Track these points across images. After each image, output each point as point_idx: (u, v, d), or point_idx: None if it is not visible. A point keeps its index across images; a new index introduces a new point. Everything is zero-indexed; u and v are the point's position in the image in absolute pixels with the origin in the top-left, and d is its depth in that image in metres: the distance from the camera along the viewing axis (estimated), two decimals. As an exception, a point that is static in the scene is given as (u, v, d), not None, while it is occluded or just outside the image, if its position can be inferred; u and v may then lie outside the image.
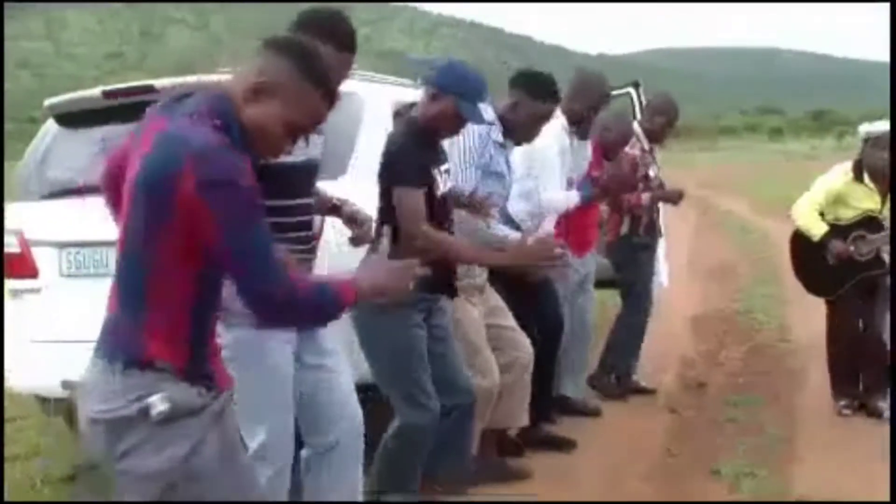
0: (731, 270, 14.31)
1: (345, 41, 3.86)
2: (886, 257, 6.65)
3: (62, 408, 6.11)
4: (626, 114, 7.60)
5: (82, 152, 5.83)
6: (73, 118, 6.03)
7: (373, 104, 5.97)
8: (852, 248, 6.71)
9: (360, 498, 4.26)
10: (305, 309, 2.83)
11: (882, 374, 6.74)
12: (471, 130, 5.03)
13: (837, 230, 6.77)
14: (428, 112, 4.57)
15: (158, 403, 2.69)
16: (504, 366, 5.41)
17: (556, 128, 6.05)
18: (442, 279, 4.57)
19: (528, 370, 5.65)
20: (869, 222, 6.67)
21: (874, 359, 6.80)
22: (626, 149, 7.00)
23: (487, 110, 4.75)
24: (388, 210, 4.48)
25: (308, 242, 4.02)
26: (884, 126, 6.62)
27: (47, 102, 6.09)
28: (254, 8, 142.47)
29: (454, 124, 4.60)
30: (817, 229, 6.78)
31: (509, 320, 5.65)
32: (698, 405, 7.32)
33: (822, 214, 6.80)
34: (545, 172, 6.07)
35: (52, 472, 6.24)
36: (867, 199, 6.68)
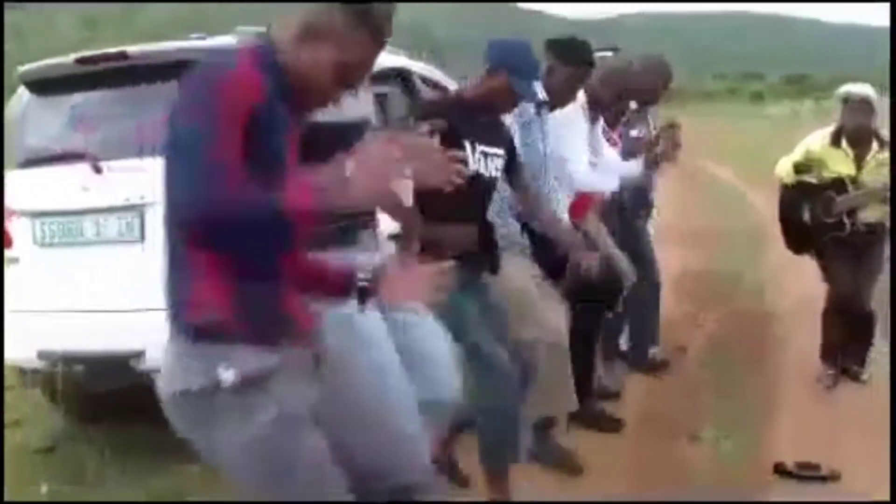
0: (711, 235, 14.28)
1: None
2: (847, 222, 6.69)
3: (38, 379, 6.08)
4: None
5: (56, 120, 5.79)
6: (46, 85, 5.95)
7: None
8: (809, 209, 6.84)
9: None
10: (238, 213, 2.33)
11: (862, 340, 6.89)
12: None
13: (812, 189, 6.84)
14: (480, 87, 4.54)
15: (225, 374, 2.57)
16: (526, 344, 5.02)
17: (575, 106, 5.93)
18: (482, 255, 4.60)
19: (559, 350, 5.20)
20: (840, 185, 6.70)
21: (856, 324, 6.87)
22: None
23: (539, 88, 4.69)
24: None
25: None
26: (862, 89, 6.63)
27: (20, 70, 6.02)
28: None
29: (508, 100, 4.58)
30: (785, 179, 6.97)
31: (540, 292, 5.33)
32: (678, 369, 7.34)
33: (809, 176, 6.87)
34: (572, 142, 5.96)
35: (30, 443, 6.23)
36: (842, 164, 6.71)
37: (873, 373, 6.81)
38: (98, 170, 5.40)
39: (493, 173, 4.61)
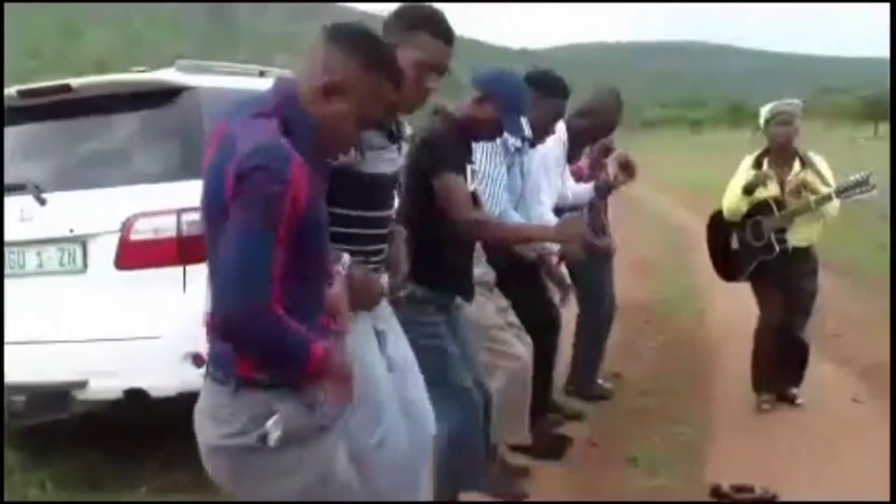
0: (650, 262, 14.47)
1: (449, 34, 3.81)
2: (776, 244, 6.76)
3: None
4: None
5: (-1, 151, 5.81)
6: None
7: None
8: (748, 234, 6.88)
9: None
10: (272, 346, 2.56)
11: (797, 363, 6.96)
12: (493, 154, 5.24)
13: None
14: (471, 113, 4.62)
15: (273, 429, 2.63)
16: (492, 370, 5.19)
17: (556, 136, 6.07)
18: (461, 280, 4.65)
19: (521, 380, 5.40)
20: (766, 208, 6.76)
21: (790, 349, 6.93)
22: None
23: (526, 125, 4.77)
24: (416, 202, 4.40)
25: (380, 255, 3.82)
26: (787, 105, 6.76)
27: (-36, 105, 6.02)
28: (173, 2, 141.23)
29: (492, 131, 4.67)
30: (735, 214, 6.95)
31: (510, 321, 5.51)
32: (615, 397, 7.42)
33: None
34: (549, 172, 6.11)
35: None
36: (770, 186, 6.75)
37: (808, 394, 6.92)
38: (42, 201, 5.42)
39: (475, 186, 4.72)
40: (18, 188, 5.54)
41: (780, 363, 6.98)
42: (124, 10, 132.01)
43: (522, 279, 5.79)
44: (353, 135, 2.85)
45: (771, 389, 6.98)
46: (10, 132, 5.82)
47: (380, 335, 3.76)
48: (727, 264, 7.17)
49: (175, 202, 5.12)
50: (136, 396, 5.17)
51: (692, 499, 5.32)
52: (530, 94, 5.18)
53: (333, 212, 3.14)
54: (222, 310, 2.51)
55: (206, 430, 2.73)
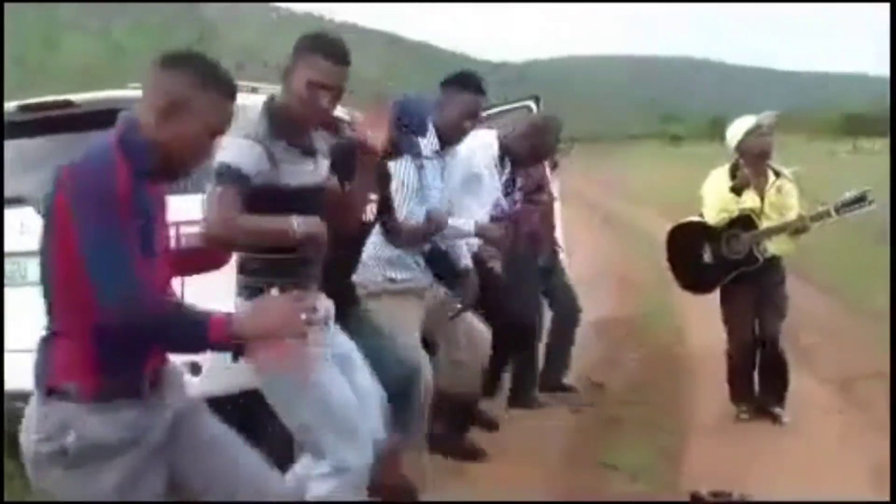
0: (630, 276, 14.68)
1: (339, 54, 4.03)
2: (759, 255, 6.90)
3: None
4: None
5: (-1, 164, 5.95)
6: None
7: None
8: (724, 247, 6.98)
9: None
10: (164, 329, 2.79)
11: (779, 381, 7.05)
12: (405, 166, 5.40)
13: (706, 229, 7.04)
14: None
15: (70, 441, 2.80)
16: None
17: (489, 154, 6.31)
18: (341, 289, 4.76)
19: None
20: (744, 221, 6.89)
21: (769, 365, 7.08)
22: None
23: (424, 143, 5.04)
24: None
25: (312, 264, 4.11)
26: (766, 117, 6.95)
27: (-40, 117, 6.15)
28: (155, 13, 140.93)
29: (391, 152, 4.83)
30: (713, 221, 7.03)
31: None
32: (597, 405, 7.60)
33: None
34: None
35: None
36: (747, 199, 6.87)
37: (787, 405, 7.04)
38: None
39: (370, 217, 4.89)
40: (19, 201, 5.67)
41: (758, 374, 7.13)
42: (106, 20, 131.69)
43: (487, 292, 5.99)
44: (204, 147, 3.03)
45: (748, 400, 7.12)
46: (11, 145, 5.93)
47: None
48: (696, 276, 7.28)
49: (173, 215, 5.25)
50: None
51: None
52: (445, 94, 5.62)
53: None
54: (118, 308, 2.70)
55: (24, 435, 2.91)
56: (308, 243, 3.88)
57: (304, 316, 2.89)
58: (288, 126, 3.99)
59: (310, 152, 4.08)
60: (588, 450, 6.50)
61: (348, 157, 4.41)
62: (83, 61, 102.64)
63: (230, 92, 3.04)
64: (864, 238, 16.21)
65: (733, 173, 6.97)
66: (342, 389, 4.07)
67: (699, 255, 7.12)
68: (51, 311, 2.91)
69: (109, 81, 6.09)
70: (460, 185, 6.05)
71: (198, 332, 2.75)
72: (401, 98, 5.09)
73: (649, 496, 5.61)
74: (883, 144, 61.67)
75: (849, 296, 11.84)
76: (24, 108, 5.89)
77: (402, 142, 4.83)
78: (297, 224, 3.82)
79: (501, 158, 6.47)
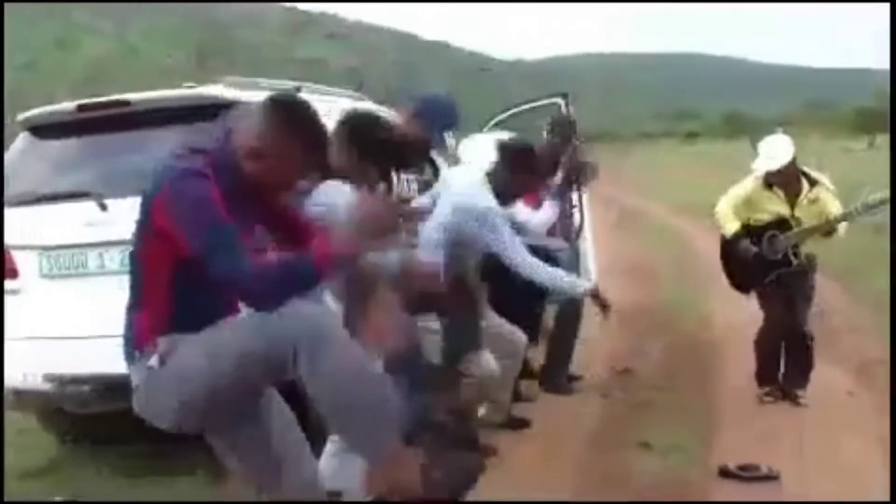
0: (650, 269, 14.95)
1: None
2: (793, 257, 7.22)
3: (29, 402, 6.45)
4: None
5: (57, 162, 6.25)
6: (47, 130, 6.41)
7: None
8: (756, 248, 7.27)
9: None
10: (283, 279, 3.20)
11: (804, 366, 7.38)
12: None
13: (752, 230, 7.33)
14: (409, 129, 5.22)
15: (153, 360, 3.41)
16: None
17: None
18: None
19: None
20: (781, 223, 7.21)
21: (797, 351, 7.38)
22: None
23: (451, 142, 5.32)
24: None
25: None
26: (778, 151, 7.15)
27: (20, 116, 6.44)
28: (170, 15, 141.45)
29: (421, 146, 5.28)
30: (729, 227, 7.39)
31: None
32: (627, 390, 7.91)
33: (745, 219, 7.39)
34: None
35: (18, 466, 6.59)
36: (778, 204, 7.22)
37: (809, 394, 7.34)
38: (104, 207, 5.86)
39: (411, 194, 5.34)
40: (82, 195, 5.97)
41: (784, 359, 7.43)
42: (120, 23, 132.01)
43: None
44: (281, 184, 3.52)
45: (773, 383, 7.41)
46: (71, 143, 6.26)
47: None
48: (742, 275, 7.55)
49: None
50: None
51: (702, 479, 5.79)
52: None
53: None
54: (235, 281, 3.21)
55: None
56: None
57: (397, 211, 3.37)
58: None
59: None
60: (622, 431, 6.79)
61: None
62: (97, 63, 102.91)
63: (317, 151, 3.51)
64: (864, 228, 16.46)
65: (768, 184, 7.27)
66: None
67: (745, 254, 7.35)
68: (138, 287, 3.49)
69: (124, 83, 6.36)
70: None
71: (305, 263, 3.20)
72: (427, 95, 5.41)
73: (680, 471, 5.90)
74: (898, 140, 61.86)
75: (851, 283, 12.16)
76: (81, 108, 6.17)
77: (433, 137, 5.15)
78: None
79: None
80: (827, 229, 7.11)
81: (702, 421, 6.92)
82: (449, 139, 5.30)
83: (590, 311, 8.29)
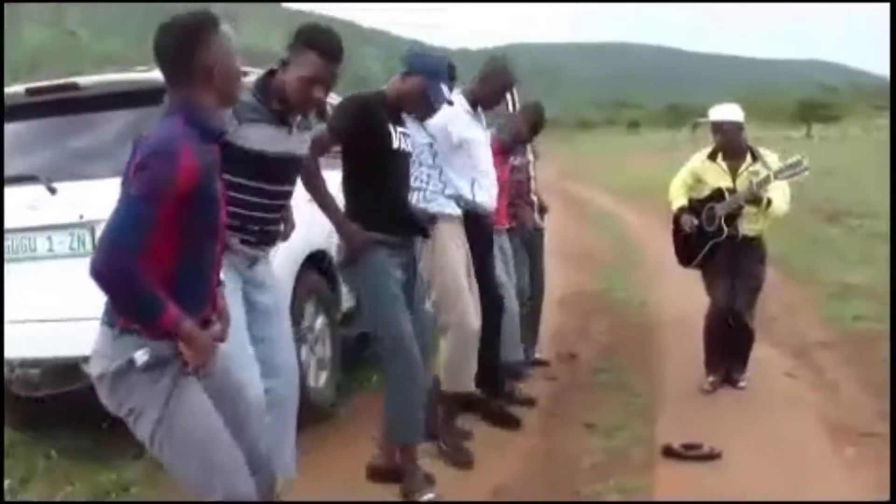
0: (593, 255, 15.20)
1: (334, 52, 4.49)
2: (725, 227, 7.25)
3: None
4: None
5: (6, 145, 6.22)
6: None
7: None
8: (695, 220, 7.37)
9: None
10: (126, 298, 3.20)
11: (741, 351, 7.49)
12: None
13: (695, 205, 7.44)
14: (397, 88, 5.29)
15: (140, 357, 3.29)
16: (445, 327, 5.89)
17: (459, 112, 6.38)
18: (403, 220, 5.25)
19: (470, 335, 5.95)
20: (719, 196, 7.27)
21: (735, 337, 7.44)
22: None
23: (448, 93, 5.41)
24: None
25: (273, 224, 4.61)
26: (731, 113, 7.27)
27: (-32, 102, 6.41)
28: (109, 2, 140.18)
29: (421, 101, 5.31)
30: (676, 202, 7.52)
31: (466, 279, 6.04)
32: (572, 373, 8.04)
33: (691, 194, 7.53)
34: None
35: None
36: (720, 178, 7.29)
37: (748, 370, 7.50)
38: (52, 190, 5.86)
39: (408, 148, 5.34)
40: (30, 178, 5.96)
41: (727, 347, 7.47)
42: (59, 10, 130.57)
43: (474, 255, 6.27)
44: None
45: (718, 371, 7.47)
46: (19, 127, 6.22)
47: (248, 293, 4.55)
48: (684, 249, 7.61)
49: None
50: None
51: (647, 457, 5.90)
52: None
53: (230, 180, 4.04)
54: (96, 254, 3.16)
55: (95, 364, 3.41)
56: None
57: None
58: (275, 99, 4.45)
59: (285, 122, 4.49)
60: (568, 412, 6.90)
61: None
62: (35, 49, 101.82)
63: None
64: (817, 215, 16.92)
65: (713, 156, 7.38)
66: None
67: (688, 229, 7.44)
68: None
69: (65, 69, 6.37)
70: (450, 151, 6.24)
71: (153, 312, 3.20)
72: (417, 50, 5.50)
73: (625, 451, 6.02)
74: (835, 130, 62.74)
75: (792, 268, 12.39)
76: (30, 92, 6.18)
77: (432, 90, 5.25)
78: None
79: (474, 106, 6.61)
80: (752, 198, 7.12)
81: (645, 402, 7.05)
82: (447, 90, 5.35)
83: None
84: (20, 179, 6.02)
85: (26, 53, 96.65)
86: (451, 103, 5.68)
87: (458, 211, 6.07)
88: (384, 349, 5.18)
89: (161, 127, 3.33)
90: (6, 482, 5.97)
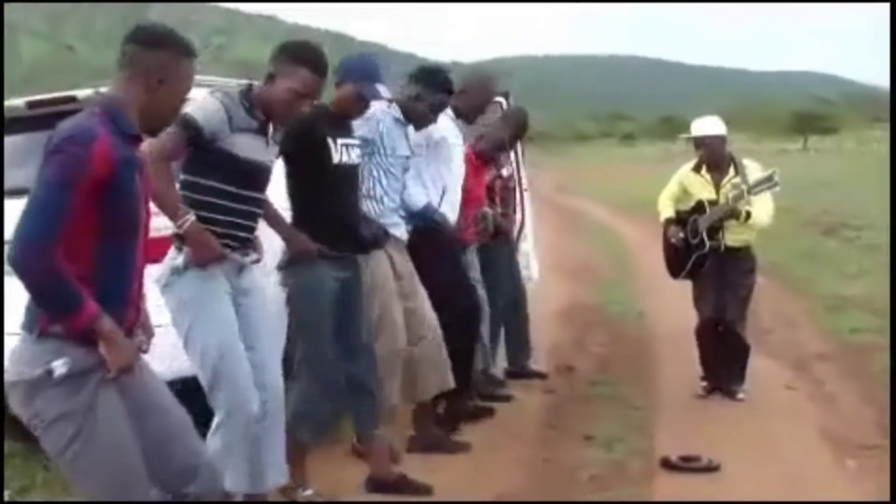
0: (590, 268, 15.19)
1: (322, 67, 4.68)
2: (707, 240, 7.29)
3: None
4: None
5: (7, 157, 6.22)
6: (-5, 126, 6.37)
7: None
8: (681, 234, 7.45)
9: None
10: (43, 286, 3.13)
11: (736, 362, 7.48)
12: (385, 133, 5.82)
13: (683, 216, 7.51)
14: (335, 98, 5.34)
15: (59, 367, 3.19)
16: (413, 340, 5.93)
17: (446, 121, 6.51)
18: (345, 235, 5.25)
19: (440, 346, 6.06)
20: (702, 209, 7.32)
21: (729, 348, 7.47)
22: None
23: (384, 90, 5.40)
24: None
25: (248, 231, 4.66)
26: (714, 127, 7.36)
27: (-33, 115, 6.41)
28: (105, 15, 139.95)
29: (359, 105, 5.33)
30: (663, 214, 7.62)
31: (419, 299, 6.06)
32: (570, 385, 8.03)
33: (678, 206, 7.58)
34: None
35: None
36: (704, 190, 7.37)
37: (746, 382, 7.49)
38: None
39: (355, 160, 5.35)
40: (24, 192, 5.94)
41: (723, 360, 7.49)
42: (56, 23, 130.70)
43: (441, 263, 6.35)
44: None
45: (713, 377, 7.52)
46: (18, 140, 6.24)
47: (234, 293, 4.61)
48: (673, 261, 7.68)
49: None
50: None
51: (645, 469, 5.90)
52: (414, 89, 6.02)
53: (210, 185, 4.35)
54: (13, 243, 3.13)
55: (10, 369, 3.29)
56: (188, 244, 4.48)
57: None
58: (258, 111, 4.56)
59: (264, 133, 4.61)
60: (566, 424, 6.89)
61: None
62: (33, 63, 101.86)
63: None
64: (813, 228, 16.98)
65: (697, 168, 7.45)
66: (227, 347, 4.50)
67: (674, 242, 7.53)
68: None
69: (62, 83, 6.37)
70: (429, 150, 6.36)
71: (71, 303, 3.14)
72: (345, 58, 5.55)
73: (624, 463, 6.01)
74: (831, 142, 62.78)
75: (790, 281, 12.47)
76: (31, 105, 6.21)
77: (367, 90, 5.27)
78: (188, 223, 4.41)
79: (459, 116, 6.72)
80: (730, 211, 7.16)
81: (644, 414, 7.05)
82: (383, 90, 5.37)
83: (533, 310, 8.48)
84: (20, 192, 5.99)
85: (23, 67, 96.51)
86: (390, 101, 5.76)
87: (405, 235, 6.06)
88: (297, 361, 5.27)
89: (77, 117, 3.34)
90: (6, 493, 5.94)
